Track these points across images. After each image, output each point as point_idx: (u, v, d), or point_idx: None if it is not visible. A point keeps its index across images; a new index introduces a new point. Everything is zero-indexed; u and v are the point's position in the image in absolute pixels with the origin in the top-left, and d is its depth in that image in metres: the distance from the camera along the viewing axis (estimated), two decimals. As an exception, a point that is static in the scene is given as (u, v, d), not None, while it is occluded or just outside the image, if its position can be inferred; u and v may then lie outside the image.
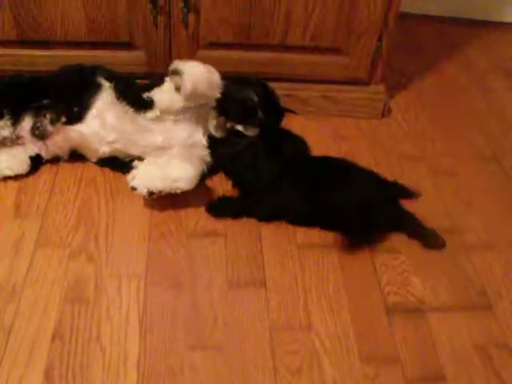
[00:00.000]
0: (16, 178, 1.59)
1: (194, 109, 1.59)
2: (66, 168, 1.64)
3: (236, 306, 1.35)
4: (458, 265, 1.50)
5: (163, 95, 1.56)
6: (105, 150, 1.59)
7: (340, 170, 1.55)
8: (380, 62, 1.84)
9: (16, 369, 1.19)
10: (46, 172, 1.62)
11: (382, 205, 1.49)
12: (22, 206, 1.53)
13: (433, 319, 1.36)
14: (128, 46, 1.74)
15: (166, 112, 1.56)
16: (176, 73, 1.52)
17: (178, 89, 1.53)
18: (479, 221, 1.63)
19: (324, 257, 1.48)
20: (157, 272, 1.40)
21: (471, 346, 1.32)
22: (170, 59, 1.76)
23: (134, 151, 1.58)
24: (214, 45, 1.75)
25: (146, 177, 1.46)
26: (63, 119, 1.56)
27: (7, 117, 1.55)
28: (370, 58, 1.81)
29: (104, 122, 1.56)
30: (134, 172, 1.49)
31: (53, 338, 1.25)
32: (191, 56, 1.75)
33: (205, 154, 1.60)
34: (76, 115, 1.57)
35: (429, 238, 1.52)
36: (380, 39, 1.78)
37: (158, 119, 1.57)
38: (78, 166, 1.65)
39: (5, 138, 1.57)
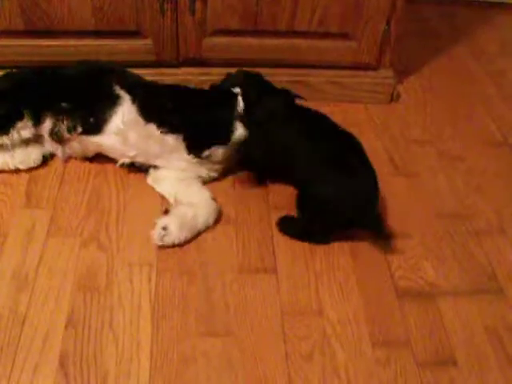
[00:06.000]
0: (27, 168, 1.60)
1: None
2: (76, 158, 1.65)
3: (247, 293, 1.35)
4: (469, 249, 1.50)
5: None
6: (124, 160, 1.59)
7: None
8: (388, 47, 1.83)
9: (31, 357, 1.20)
10: (56, 162, 1.63)
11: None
12: (33, 195, 1.54)
13: (444, 303, 1.37)
14: (135, 34, 1.74)
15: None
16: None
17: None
18: (489, 205, 1.62)
19: (334, 242, 1.48)
20: (168, 259, 1.41)
21: (482, 330, 1.32)
22: (178, 47, 1.76)
23: (156, 163, 1.58)
24: (221, 32, 1.75)
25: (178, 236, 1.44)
26: (79, 129, 1.55)
27: (27, 117, 1.53)
28: (378, 42, 1.80)
29: (126, 139, 1.54)
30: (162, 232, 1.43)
31: (66, 326, 1.26)
32: (198, 43, 1.75)
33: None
34: (92, 126, 1.54)
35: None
36: (388, 23, 1.76)
37: None
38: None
39: (27, 139, 1.57)
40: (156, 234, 1.42)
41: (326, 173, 1.42)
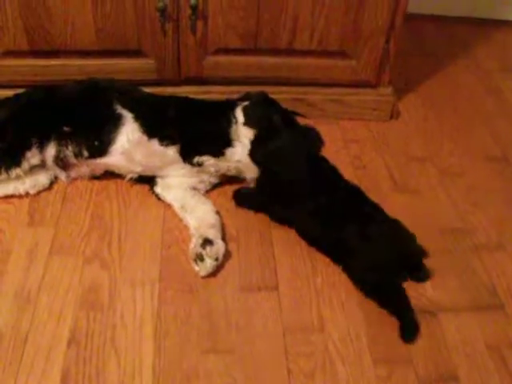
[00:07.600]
0: (37, 192, 1.60)
1: None
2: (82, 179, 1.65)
3: (249, 310, 1.36)
4: (469, 265, 1.50)
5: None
6: (131, 176, 1.62)
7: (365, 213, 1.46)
8: (387, 65, 1.84)
9: (33, 375, 1.20)
10: (58, 180, 1.64)
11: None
12: (35, 214, 1.55)
13: (445, 320, 1.37)
14: (137, 53, 1.75)
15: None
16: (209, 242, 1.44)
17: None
18: (489, 221, 1.63)
19: (335, 259, 1.49)
20: (170, 277, 1.41)
21: (484, 347, 1.32)
22: (179, 66, 1.78)
23: (161, 174, 1.61)
24: (222, 51, 1.77)
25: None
26: (85, 153, 1.56)
27: (35, 145, 1.53)
28: (378, 60, 1.82)
29: (131, 158, 1.57)
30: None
31: (68, 344, 1.26)
32: (199, 62, 1.77)
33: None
34: (98, 149, 1.56)
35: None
36: (387, 42, 1.78)
37: None
38: (90, 174, 1.67)
39: (34, 166, 1.57)
40: (210, 267, 1.41)
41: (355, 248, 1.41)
